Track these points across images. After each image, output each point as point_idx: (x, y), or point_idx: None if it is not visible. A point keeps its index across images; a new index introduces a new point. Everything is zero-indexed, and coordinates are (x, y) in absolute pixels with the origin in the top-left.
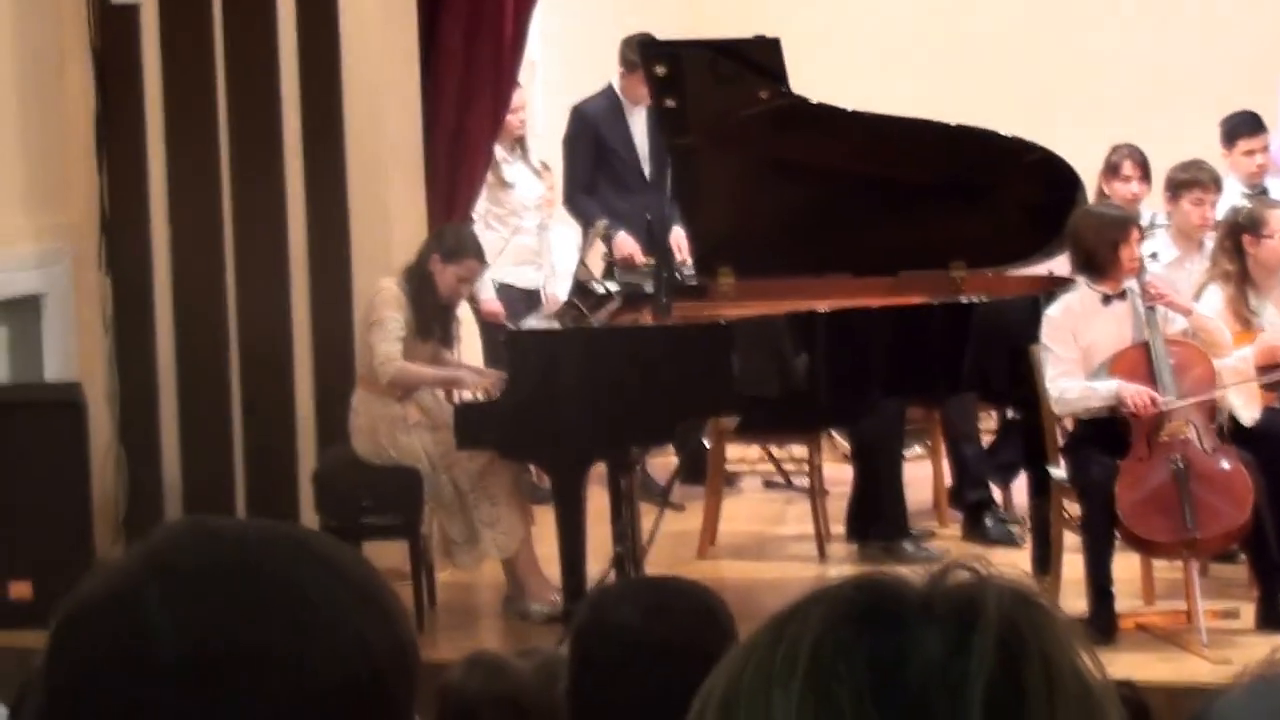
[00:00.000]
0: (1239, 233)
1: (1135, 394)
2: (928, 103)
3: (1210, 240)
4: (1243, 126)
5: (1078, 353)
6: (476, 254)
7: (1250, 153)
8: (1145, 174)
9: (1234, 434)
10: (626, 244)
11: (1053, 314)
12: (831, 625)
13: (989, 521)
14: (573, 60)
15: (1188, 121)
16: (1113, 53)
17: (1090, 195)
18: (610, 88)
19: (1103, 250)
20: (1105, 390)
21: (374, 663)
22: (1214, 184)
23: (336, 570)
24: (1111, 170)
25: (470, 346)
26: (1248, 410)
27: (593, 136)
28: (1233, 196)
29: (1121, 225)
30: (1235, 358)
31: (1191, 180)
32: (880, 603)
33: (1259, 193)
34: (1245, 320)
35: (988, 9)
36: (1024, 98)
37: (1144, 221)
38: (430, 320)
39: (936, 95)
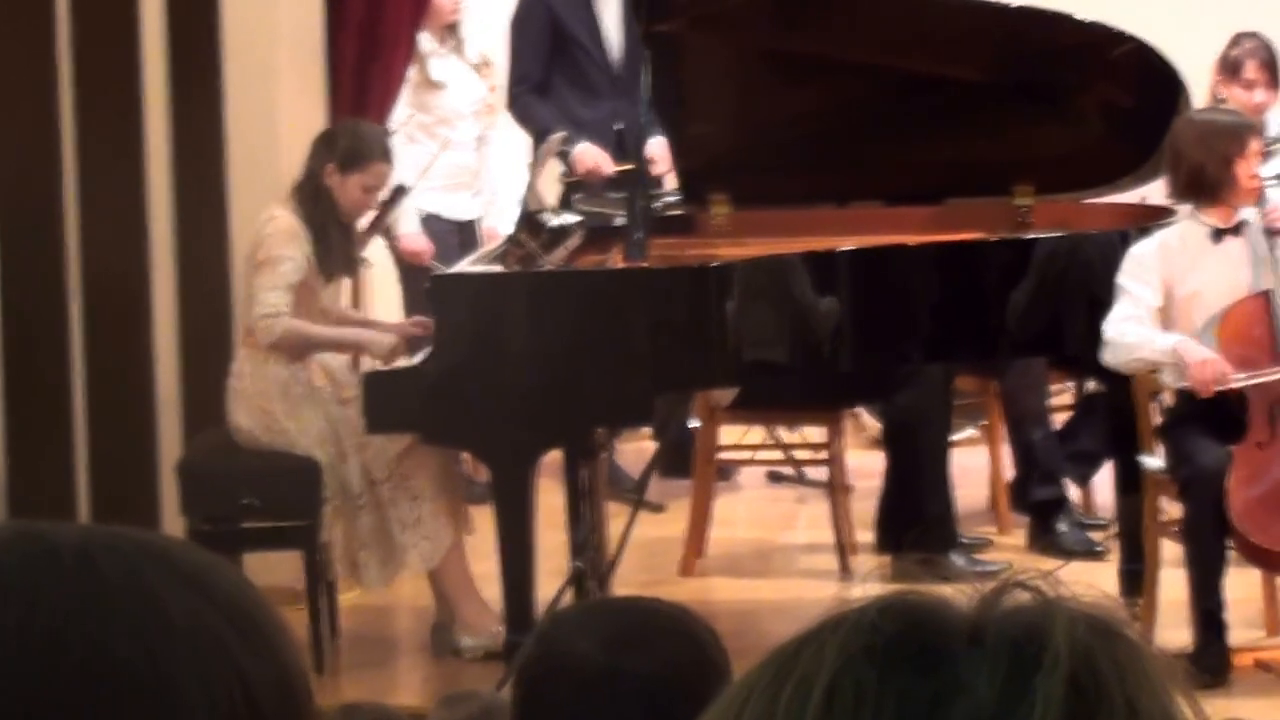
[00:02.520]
0: None
1: (1200, 363)
2: None
3: None
4: None
5: (1160, 301)
6: (382, 154)
7: None
8: (1274, 78)
9: None
10: (590, 154)
11: (1140, 251)
12: (851, 662)
13: (1063, 527)
14: None
15: None
16: None
17: (1199, 102)
18: None
19: (1212, 169)
20: (1163, 344)
21: (254, 706)
22: None
23: (206, 590)
24: (1230, 69)
25: (384, 296)
26: None
27: (549, 20)
28: None
29: (1236, 135)
30: None
31: None
32: (915, 633)
33: None
34: None
35: None
36: None
37: (1270, 132)
38: (335, 254)
39: None
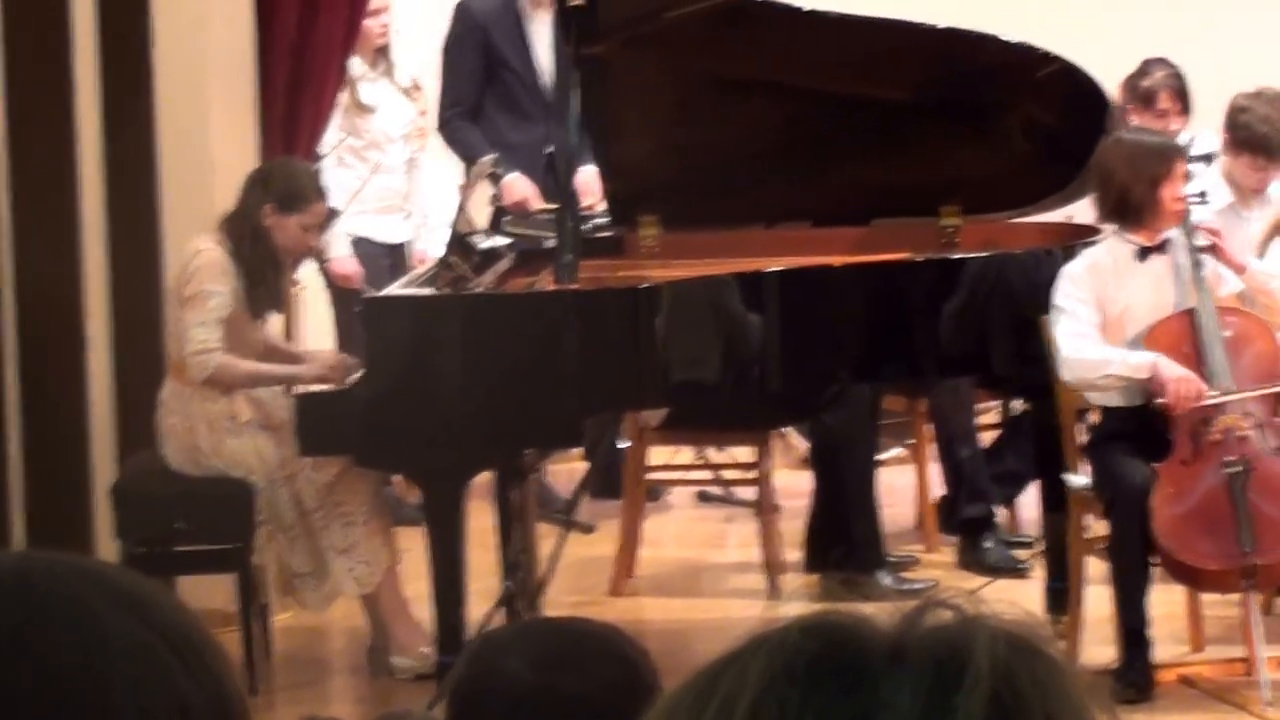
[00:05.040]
0: None
1: (1179, 380)
2: (914, 3)
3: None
4: None
5: (1100, 318)
6: (319, 193)
7: None
8: (1186, 105)
9: None
10: (518, 186)
11: (1073, 271)
12: (773, 681)
13: (989, 545)
14: None
15: (1245, 19)
16: None
17: None
18: None
19: (1139, 189)
20: (1138, 361)
21: None
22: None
23: (143, 613)
24: (1143, 100)
25: (316, 319)
26: None
27: (481, 43)
28: None
29: (1164, 157)
30: None
31: (1257, 142)
32: (836, 652)
33: None
34: None
35: None
36: None
37: (1192, 153)
38: (265, 292)
39: None
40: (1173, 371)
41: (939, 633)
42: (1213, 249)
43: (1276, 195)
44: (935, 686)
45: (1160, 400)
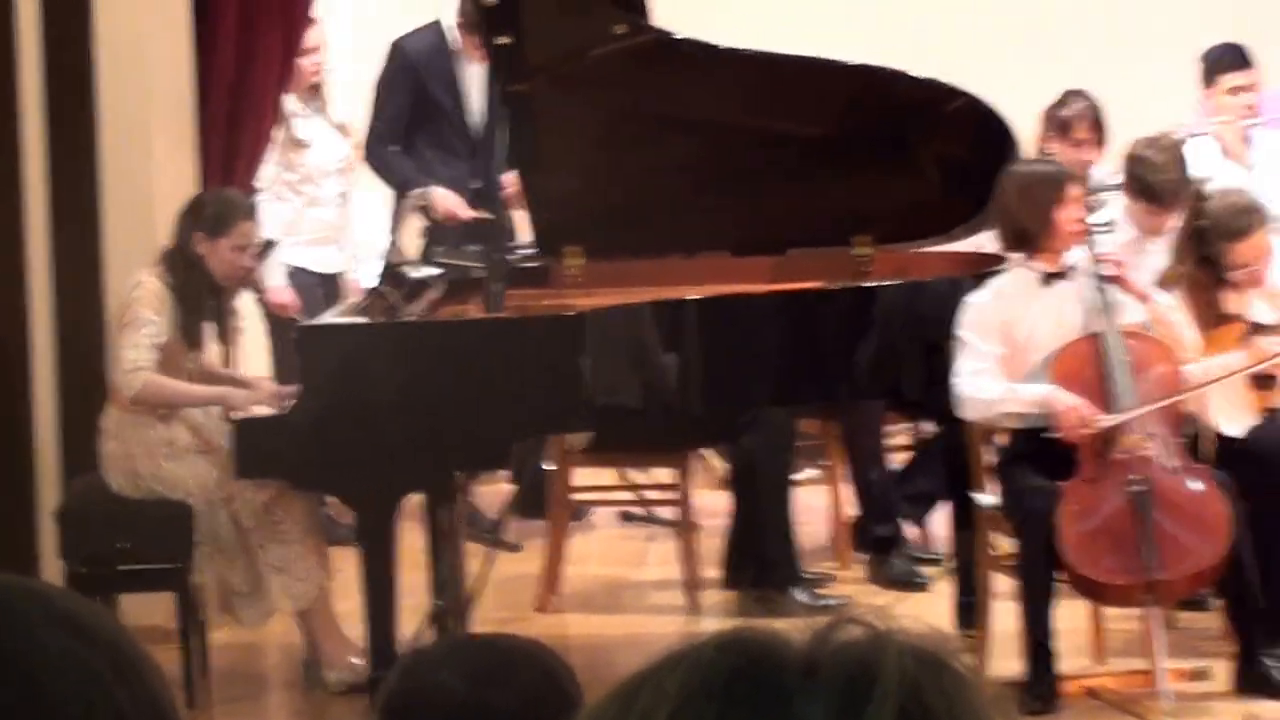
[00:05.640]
0: (1204, 237)
1: (1070, 406)
2: (831, 40)
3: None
4: (1227, 59)
5: (1002, 350)
6: (246, 213)
7: (1236, 90)
8: (1101, 135)
9: (1218, 451)
10: (447, 198)
11: (977, 300)
12: (690, 696)
13: (897, 562)
14: None
15: (1159, 58)
16: None
17: (1028, 153)
18: (439, 24)
19: (1034, 217)
20: (1032, 395)
21: None
22: (1174, 198)
23: (85, 632)
24: (1061, 129)
25: (253, 346)
26: (1235, 422)
27: (413, 82)
28: (1207, 155)
29: (1055, 183)
30: (1219, 363)
31: (1149, 190)
32: (751, 667)
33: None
34: (1220, 318)
35: None
36: (949, 31)
37: (1094, 182)
38: (201, 321)
39: (842, 31)
40: (1065, 402)
41: (850, 648)
42: (1117, 280)
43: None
44: (846, 701)
45: (1051, 433)
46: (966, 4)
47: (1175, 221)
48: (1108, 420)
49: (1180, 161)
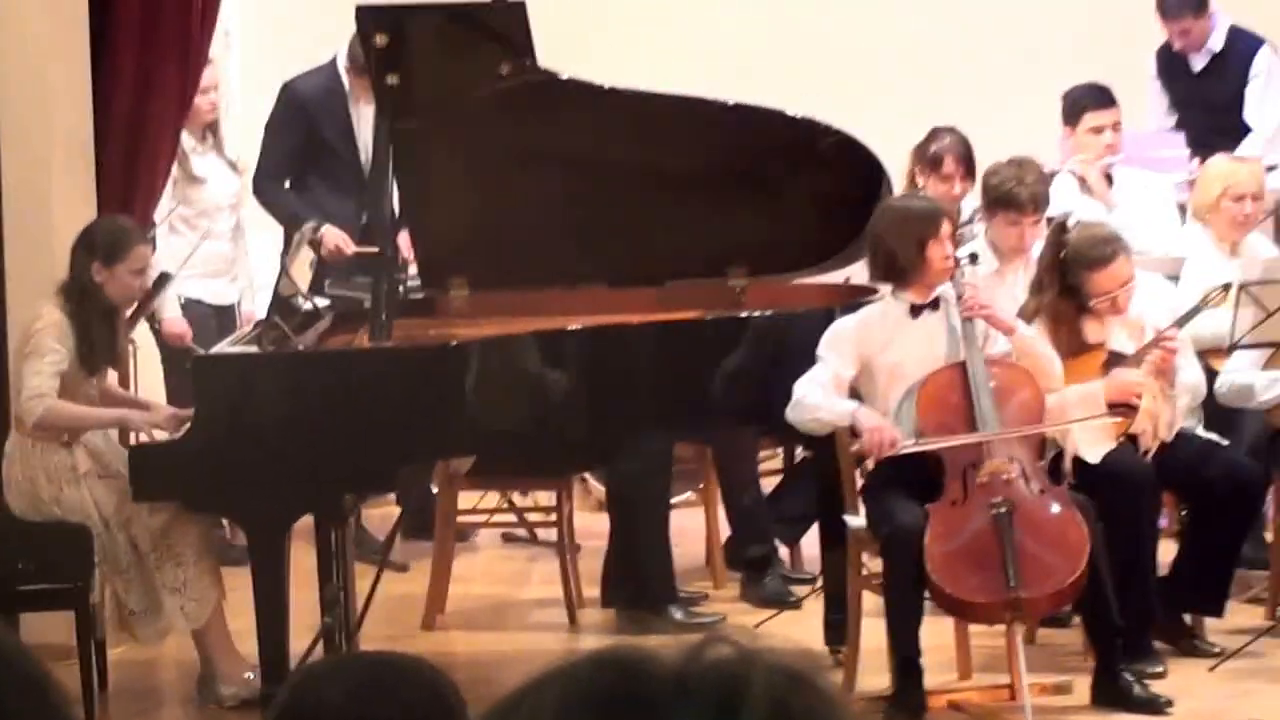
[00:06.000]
0: (1067, 267)
1: (873, 429)
2: (712, 79)
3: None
4: (1089, 99)
5: (852, 371)
6: (139, 238)
7: (1098, 129)
8: (970, 170)
9: (1076, 475)
10: (334, 235)
11: (840, 325)
12: (568, 710)
13: (769, 580)
14: (279, 28)
15: (1026, 94)
16: (933, 18)
17: (899, 187)
18: (333, 64)
19: (907, 250)
20: (841, 409)
21: None
22: (1033, 204)
23: None
24: (931, 163)
25: (149, 375)
26: (1095, 448)
27: (304, 122)
28: (1068, 192)
29: (929, 219)
30: (1080, 391)
31: (1006, 198)
32: (626, 684)
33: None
34: (1081, 347)
35: None
36: (825, 71)
37: (963, 217)
38: (100, 349)
39: (716, 68)
40: (869, 421)
41: (720, 666)
42: (981, 309)
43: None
44: (717, 716)
45: (855, 448)
46: (840, 44)
47: (1037, 241)
48: (910, 446)
49: (1038, 171)
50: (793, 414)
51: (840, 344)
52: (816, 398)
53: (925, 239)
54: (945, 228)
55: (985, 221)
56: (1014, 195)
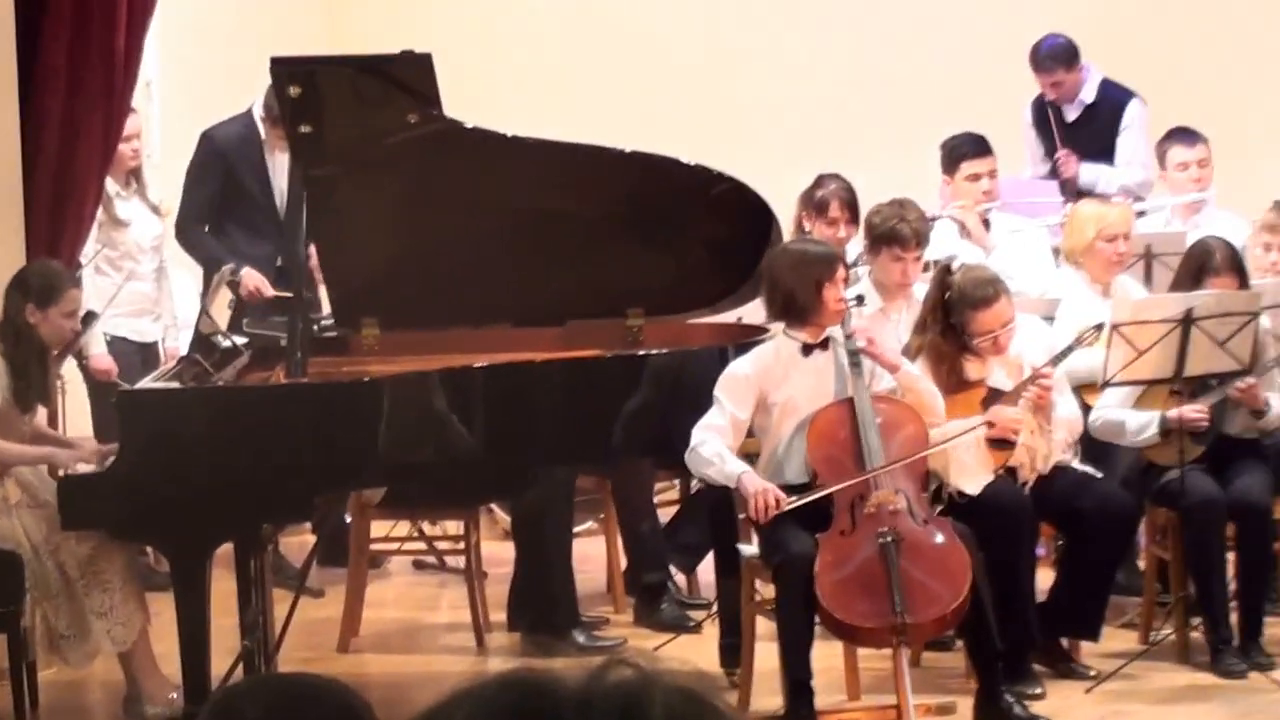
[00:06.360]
0: (950, 307)
1: (758, 493)
2: (604, 127)
3: (920, 288)
4: (966, 147)
5: (747, 414)
6: (72, 282)
7: (975, 176)
8: (854, 215)
9: (956, 507)
10: (253, 278)
11: (735, 369)
12: None
13: (665, 606)
14: (198, 79)
15: (906, 143)
16: (818, 70)
17: (788, 230)
18: (249, 114)
19: (804, 292)
20: (730, 470)
21: None
22: (916, 238)
23: None
24: (817, 208)
25: (76, 409)
26: (976, 481)
27: (222, 169)
28: (947, 237)
29: (827, 263)
30: (961, 426)
31: (891, 234)
32: (530, 703)
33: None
34: (963, 384)
35: (672, 21)
36: (718, 120)
37: (849, 259)
38: (34, 388)
39: (616, 118)
40: (753, 486)
41: (621, 686)
42: (868, 350)
43: (919, 293)
44: None
45: (742, 515)
46: (733, 96)
47: (918, 281)
48: (793, 502)
49: (918, 210)
50: (689, 460)
51: (736, 388)
52: (710, 451)
53: (822, 281)
54: (840, 271)
55: (870, 260)
56: (898, 231)
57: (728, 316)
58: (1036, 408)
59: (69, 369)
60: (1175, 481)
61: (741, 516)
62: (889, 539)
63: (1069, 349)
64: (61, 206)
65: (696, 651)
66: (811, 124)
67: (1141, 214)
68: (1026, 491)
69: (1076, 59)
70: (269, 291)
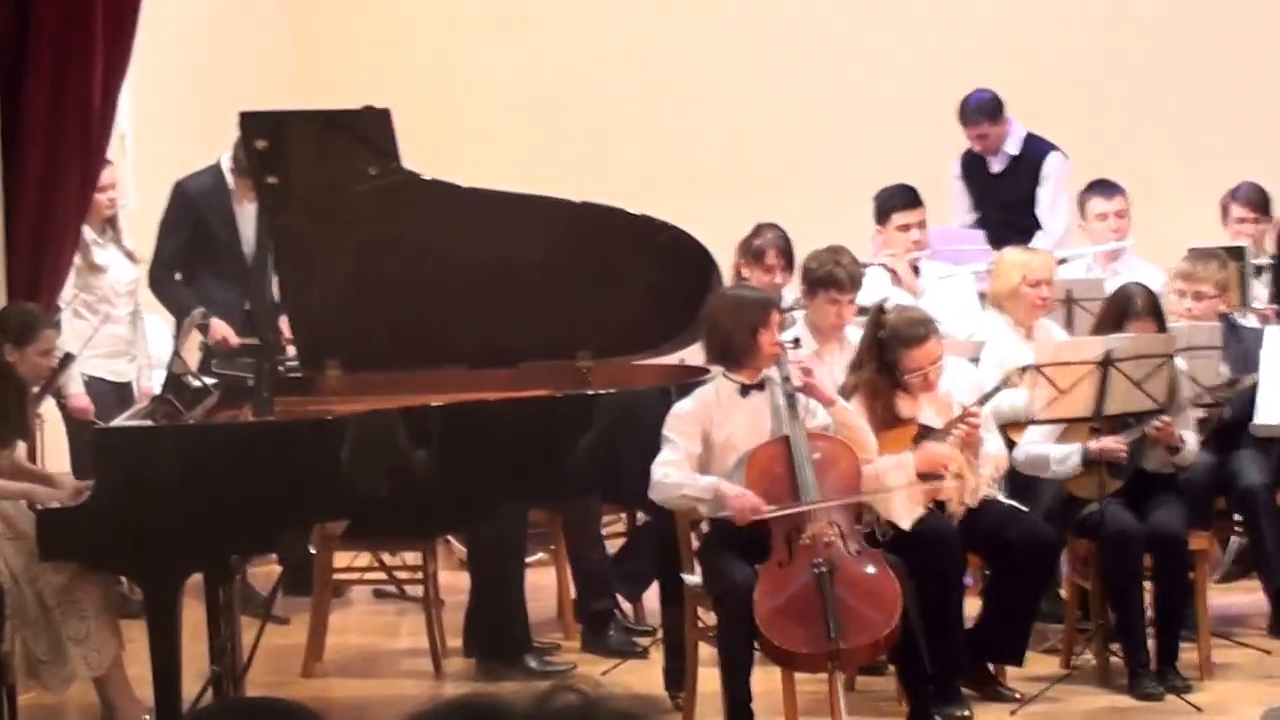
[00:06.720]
0: (884, 346)
1: (737, 497)
2: (555, 177)
3: (853, 331)
4: (897, 199)
5: (698, 449)
6: (47, 323)
7: (906, 227)
8: (789, 263)
9: (890, 538)
10: (219, 328)
11: (682, 408)
12: None
13: (613, 632)
14: (171, 133)
15: (841, 195)
16: (760, 127)
17: (727, 274)
18: (219, 166)
19: (740, 336)
20: (705, 484)
21: None
22: (851, 282)
23: None
24: (754, 256)
25: (55, 445)
26: (908, 515)
27: (194, 217)
28: (879, 283)
29: (762, 308)
30: (893, 461)
31: (827, 278)
32: None
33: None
34: (895, 420)
35: (622, 80)
36: (664, 172)
37: (784, 304)
38: (12, 424)
39: (567, 169)
40: (731, 491)
41: (567, 710)
42: (805, 386)
43: (852, 336)
44: None
45: (724, 514)
46: (677, 148)
47: (851, 324)
48: (771, 512)
49: (852, 256)
50: (656, 495)
51: (684, 425)
52: (677, 477)
53: (757, 326)
54: (774, 316)
55: (806, 304)
56: (833, 275)
57: (672, 358)
58: (965, 444)
59: (48, 408)
60: (1095, 514)
61: (727, 516)
62: (823, 569)
63: (996, 389)
64: (41, 252)
65: (642, 676)
66: (752, 177)
67: (1063, 261)
68: (955, 524)
69: (1001, 113)
70: (235, 340)
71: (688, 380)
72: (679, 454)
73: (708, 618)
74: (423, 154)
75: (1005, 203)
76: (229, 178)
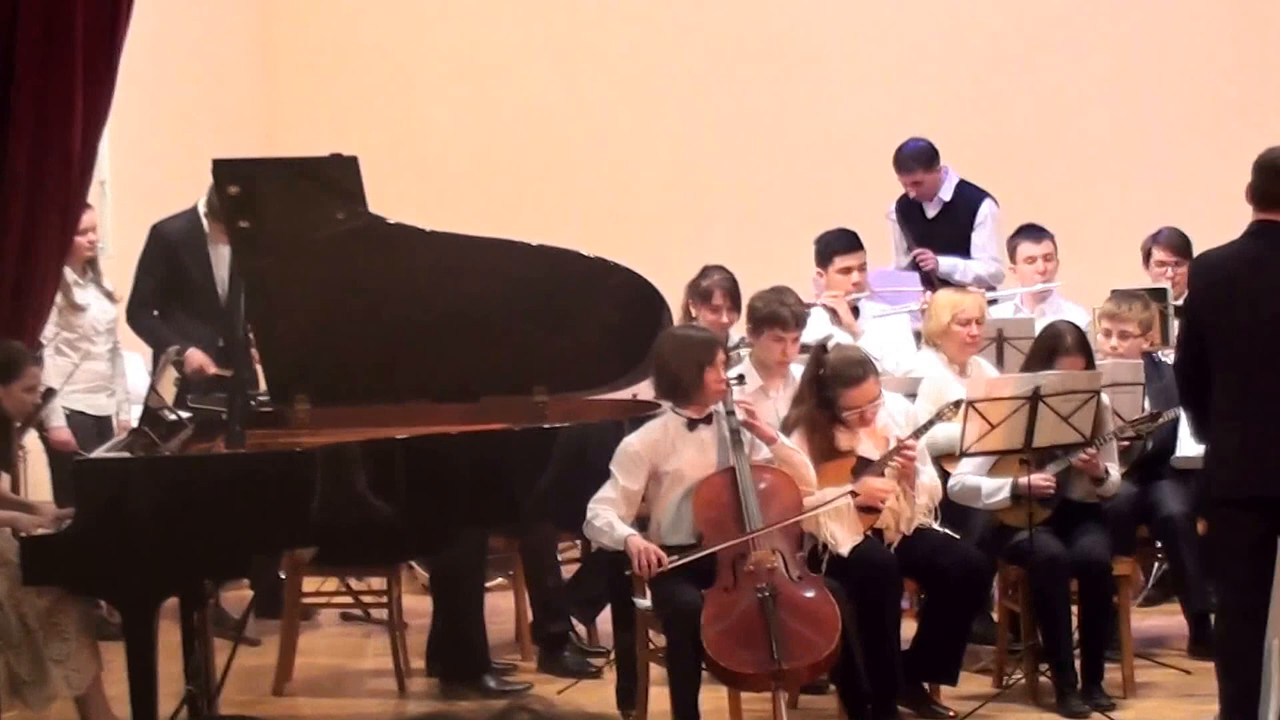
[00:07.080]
0: (824, 383)
1: (641, 552)
2: (513, 221)
3: (797, 367)
4: (838, 243)
5: (639, 485)
6: (32, 360)
7: (847, 269)
8: (735, 303)
9: (831, 564)
10: (197, 357)
11: (628, 444)
12: None
13: (568, 654)
14: (148, 178)
15: (784, 239)
16: (708, 173)
17: (677, 313)
18: (195, 210)
19: (688, 374)
20: (619, 534)
21: None
22: (795, 320)
23: None
24: (702, 297)
25: (38, 476)
26: (848, 542)
27: (170, 259)
28: (821, 323)
29: (707, 347)
30: (832, 493)
31: (772, 317)
32: None
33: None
34: (834, 452)
35: (579, 129)
36: (617, 216)
37: (731, 343)
38: None
39: (525, 212)
40: (637, 547)
41: None
42: (748, 425)
43: (796, 372)
44: None
45: (628, 572)
46: (630, 193)
47: (796, 361)
48: (674, 562)
49: (795, 296)
50: (587, 530)
51: (629, 463)
52: (602, 521)
53: (704, 364)
54: (720, 355)
55: (752, 341)
56: (778, 314)
57: (625, 393)
58: (901, 475)
59: (31, 440)
60: (1025, 541)
61: (627, 573)
62: (766, 594)
63: (930, 422)
64: (24, 292)
65: (596, 694)
66: (700, 220)
67: (993, 302)
68: (892, 551)
69: (936, 161)
70: (211, 369)
71: (639, 414)
72: (615, 492)
73: (658, 639)
74: (388, 199)
75: (939, 245)
76: (204, 221)
